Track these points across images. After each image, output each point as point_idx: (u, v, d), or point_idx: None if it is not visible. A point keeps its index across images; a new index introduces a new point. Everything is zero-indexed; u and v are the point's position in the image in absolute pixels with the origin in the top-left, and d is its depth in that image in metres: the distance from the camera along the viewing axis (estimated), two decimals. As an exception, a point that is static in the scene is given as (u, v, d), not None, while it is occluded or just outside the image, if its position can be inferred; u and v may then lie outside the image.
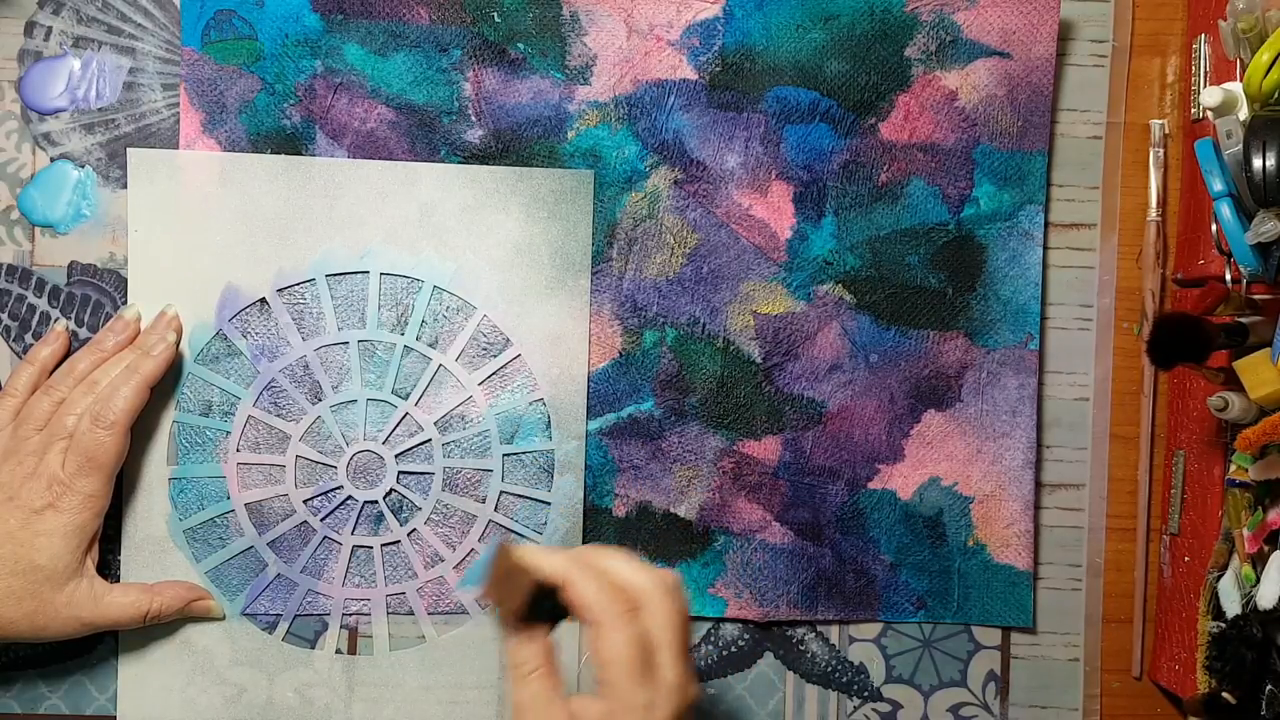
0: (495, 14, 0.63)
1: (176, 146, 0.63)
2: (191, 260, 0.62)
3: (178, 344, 0.62)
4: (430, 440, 0.63)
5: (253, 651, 0.63)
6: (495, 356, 0.64)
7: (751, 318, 0.65)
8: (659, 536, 0.64)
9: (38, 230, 0.63)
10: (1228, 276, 0.58)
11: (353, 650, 0.64)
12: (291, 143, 0.63)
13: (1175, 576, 0.64)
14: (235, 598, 0.63)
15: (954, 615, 0.65)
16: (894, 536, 0.65)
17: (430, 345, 0.63)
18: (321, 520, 0.63)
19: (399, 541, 0.64)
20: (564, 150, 0.64)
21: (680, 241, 0.64)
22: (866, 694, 0.66)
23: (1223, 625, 0.59)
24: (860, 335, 0.65)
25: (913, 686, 0.66)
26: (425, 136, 0.63)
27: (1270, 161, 0.50)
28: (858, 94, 0.64)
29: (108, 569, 0.63)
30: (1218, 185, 0.54)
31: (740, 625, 0.65)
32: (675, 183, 0.64)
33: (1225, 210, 0.54)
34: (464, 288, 0.64)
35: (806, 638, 0.66)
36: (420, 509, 0.64)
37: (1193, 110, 0.64)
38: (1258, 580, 0.57)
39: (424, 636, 0.64)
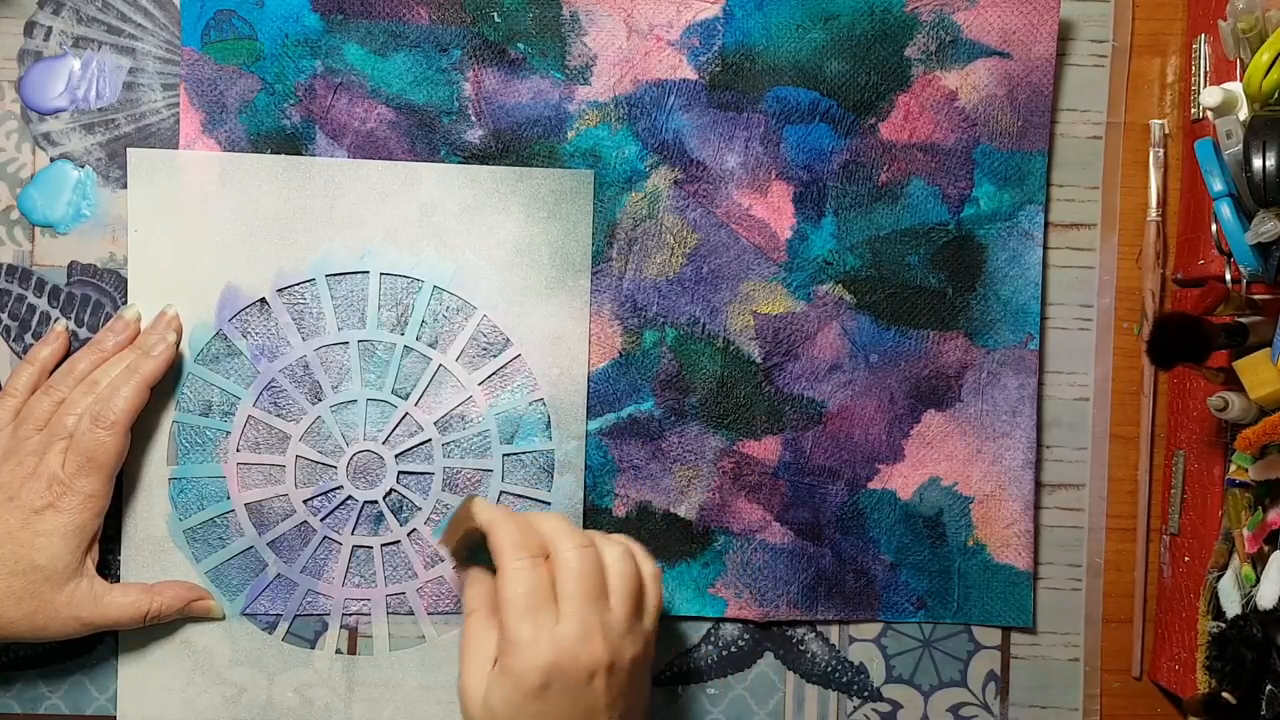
0: (495, 14, 0.63)
1: (176, 146, 0.63)
2: (191, 260, 0.62)
3: (178, 344, 0.62)
4: (430, 440, 0.63)
5: (253, 651, 0.63)
6: (495, 356, 0.64)
7: (751, 318, 0.65)
8: (659, 536, 0.64)
9: (38, 230, 0.63)
10: (1228, 276, 0.58)
11: (353, 650, 0.64)
12: (291, 143, 0.63)
13: (1175, 576, 0.64)
14: (235, 598, 0.63)
15: (954, 615, 0.65)
16: (894, 536, 0.65)
17: (430, 345, 0.63)
18: (321, 520, 0.63)
19: (399, 541, 0.64)
20: (564, 150, 0.64)
21: (680, 241, 0.64)
22: (866, 694, 0.66)
23: (1223, 625, 0.59)
24: (860, 335, 0.65)
25: (913, 686, 0.66)
26: (425, 136, 0.63)
27: (1270, 161, 0.50)
28: (858, 94, 0.64)
29: (108, 569, 0.63)
30: (1218, 185, 0.54)
31: (740, 625, 0.65)
32: (675, 183, 0.64)
33: (1225, 210, 0.53)
34: (464, 288, 0.64)
35: (806, 638, 0.66)
36: (420, 509, 0.64)
37: (1193, 110, 0.64)
38: (1258, 580, 0.57)
39: (424, 636, 0.64)
